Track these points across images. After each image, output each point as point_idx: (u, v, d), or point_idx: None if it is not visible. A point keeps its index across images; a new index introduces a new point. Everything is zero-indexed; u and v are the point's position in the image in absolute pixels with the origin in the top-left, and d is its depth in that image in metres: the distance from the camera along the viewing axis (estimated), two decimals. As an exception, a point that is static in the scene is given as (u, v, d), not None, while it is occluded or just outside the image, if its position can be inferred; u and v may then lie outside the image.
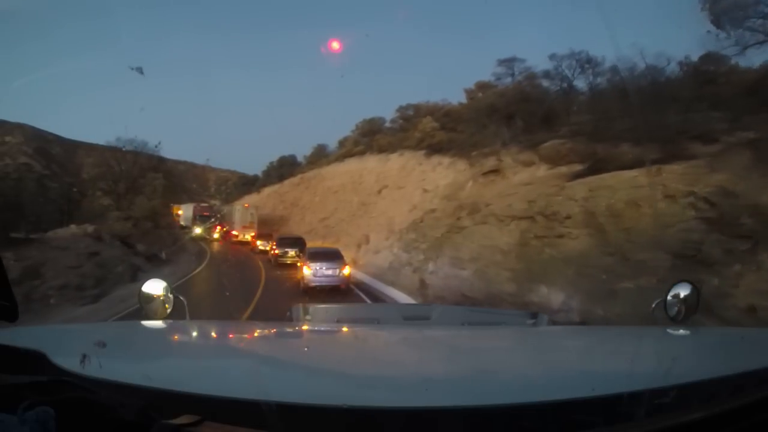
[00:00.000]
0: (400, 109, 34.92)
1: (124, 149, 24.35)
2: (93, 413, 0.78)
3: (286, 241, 20.59)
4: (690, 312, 1.65)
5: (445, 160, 20.70)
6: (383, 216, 22.78)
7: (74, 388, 0.84)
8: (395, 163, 26.32)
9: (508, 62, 23.65)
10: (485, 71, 28.94)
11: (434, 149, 22.75)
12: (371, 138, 33.47)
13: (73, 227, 17.11)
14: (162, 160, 28.10)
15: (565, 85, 22.54)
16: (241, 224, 32.71)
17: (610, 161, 11.86)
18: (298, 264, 14.58)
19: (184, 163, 70.92)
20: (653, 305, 1.71)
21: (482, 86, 26.75)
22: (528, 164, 16.63)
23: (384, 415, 0.87)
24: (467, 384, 1.10)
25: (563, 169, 15.00)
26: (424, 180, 21.42)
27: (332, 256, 13.46)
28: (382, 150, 29.73)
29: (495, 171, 17.10)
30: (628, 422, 0.88)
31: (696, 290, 1.68)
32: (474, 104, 23.26)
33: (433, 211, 17.63)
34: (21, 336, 1.29)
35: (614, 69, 17.00)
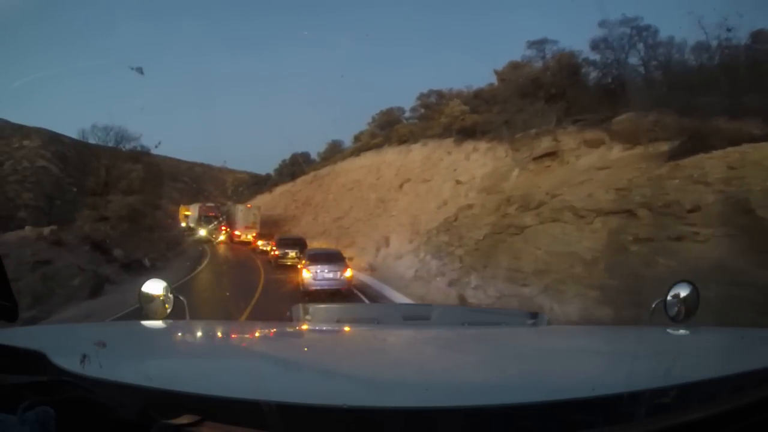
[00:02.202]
0: (421, 96, 31.20)
1: (91, 142, 21.39)
2: (93, 413, 0.79)
3: (286, 242, 19.94)
4: (690, 312, 1.63)
5: (481, 145, 17.14)
6: (405, 214, 19.37)
7: (74, 388, 0.85)
8: (418, 153, 22.88)
9: (539, 44, 20.17)
10: (512, 55, 25.61)
11: (466, 134, 19.17)
12: (390, 129, 30.04)
13: (27, 229, 14.24)
14: (146, 151, 24.89)
15: (618, 56, 18.57)
16: (243, 224, 32.39)
17: (711, 136, 8.42)
18: (299, 266, 13.77)
19: (201, 165, 71.35)
20: (653, 305, 1.68)
21: (516, 66, 23.01)
22: (595, 144, 12.94)
23: (384, 415, 0.86)
24: (467, 384, 1.10)
25: (648, 149, 11.22)
26: (455, 170, 17.90)
27: (333, 258, 12.67)
28: (402, 140, 26.42)
29: (550, 154, 13.43)
30: (628, 422, 0.87)
31: (696, 290, 1.66)
32: (512, 81, 19.56)
33: (469, 207, 14.17)
34: (21, 336, 1.28)
35: (671, 41, 15.09)
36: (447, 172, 18.56)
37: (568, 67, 18.85)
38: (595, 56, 17.98)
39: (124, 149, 23.40)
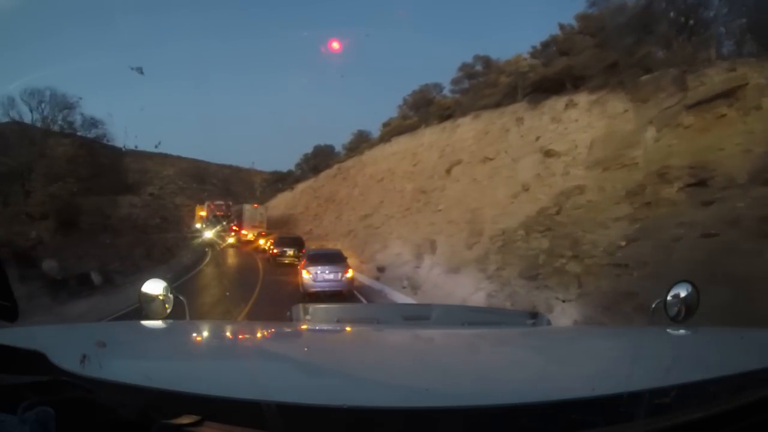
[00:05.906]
0: (464, 67, 25.50)
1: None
2: (93, 413, 0.79)
3: (284, 241, 20.27)
4: (690, 312, 1.62)
5: (581, 98, 11.57)
6: (458, 207, 14.21)
7: (74, 388, 0.85)
8: (468, 128, 17.56)
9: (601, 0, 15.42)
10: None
11: (546, 90, 13.54)
12: (426, 108, 24.86)
13: None
14: (95, 123, 20.13)
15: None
16: (250, 224, 32.40)
17: None
18: (298, 266, 13.41)
19: (230, 167, 72.36)
20: (653, 305, 1.66)
21: (584, 18, 17.28)
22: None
23: (384, 415, 0.86)
24: (467, 384, 1.09)
25: None
26: (537, 140, 12.46)
27: (334, 259, 12.44)
28: (445, 116, 21.03)
29: (722, 97, 7.85)
30: (628, 422, 0.86)
31: (696, 290, 1.64)
32: (606, 16, 13.96)
33: (579, 190, 8.89)
34: (21, 336, 1.28)
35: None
36: (523, 143, 13.12)
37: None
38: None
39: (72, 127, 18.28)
